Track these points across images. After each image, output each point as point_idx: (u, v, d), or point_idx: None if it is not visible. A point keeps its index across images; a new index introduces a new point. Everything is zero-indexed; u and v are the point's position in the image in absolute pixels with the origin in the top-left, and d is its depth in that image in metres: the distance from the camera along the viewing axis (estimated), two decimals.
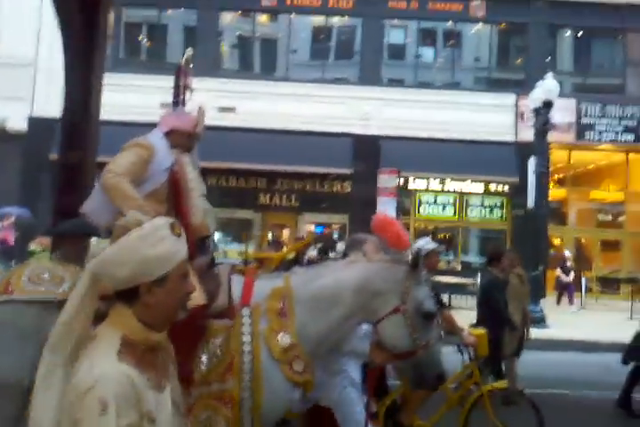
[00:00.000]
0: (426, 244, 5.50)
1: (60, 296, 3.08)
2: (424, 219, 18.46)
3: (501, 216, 18.64)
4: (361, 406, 3.65)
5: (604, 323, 13.89)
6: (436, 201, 18.51)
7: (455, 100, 18.01)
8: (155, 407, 1.70)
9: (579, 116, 18.17)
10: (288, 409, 3.21)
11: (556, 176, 19.89)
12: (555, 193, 19.68)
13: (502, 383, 5.74)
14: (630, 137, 18.18)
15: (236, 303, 3.19)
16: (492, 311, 6.82)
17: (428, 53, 19.61)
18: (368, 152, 17.70)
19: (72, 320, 1.76)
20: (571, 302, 17.02)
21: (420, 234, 17.86)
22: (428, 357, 3.16)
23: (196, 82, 18.33)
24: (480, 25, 19.05)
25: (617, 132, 18.16)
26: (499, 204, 18.61)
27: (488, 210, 18.51)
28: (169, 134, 3.71)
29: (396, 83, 19.22)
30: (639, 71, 19.55)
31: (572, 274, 17.44)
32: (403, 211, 18.83)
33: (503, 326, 6.78)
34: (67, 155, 6.63)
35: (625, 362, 7.36)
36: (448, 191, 18.45)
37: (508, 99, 18.17)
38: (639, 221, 19.83)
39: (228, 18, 19.42)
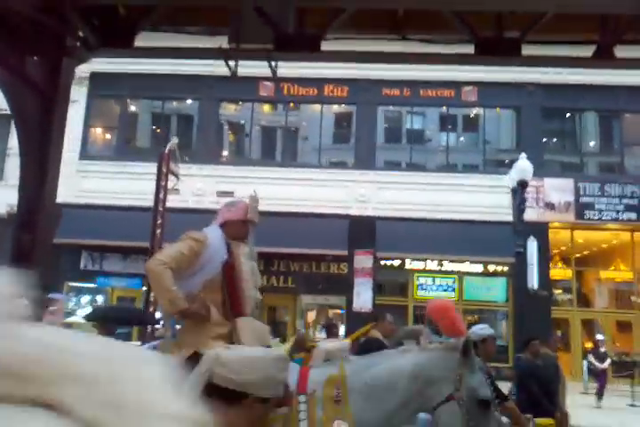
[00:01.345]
0: (480, 329, 5.37)
1: None
2: (422, 300, 18.12)
3: (503, 297, 18.24)
4: None
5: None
6: (434, 282, 18.24)
7: (450, 181, 18.18)
8: None
9: (577, 196, 18.08)
10: None
11: (557, 257, 19.56)
12: (560, 273, 19.31)
13: None
14: (632, 215, 17.94)
15: (292, 391, 3.18)
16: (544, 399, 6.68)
17: (423, 137, 19.97)
18: (364, 234, 17.77)
19: None
20: (600, 394, 14.86)
21: (418, 316, 17.55)
22: None
23: (195, 169, 19.05)
24: (473, 109, 19.47)
25: (618, 211, 17.95)
26: (499, 284, 18.25)
27: (488, 290, 18.14)
28: (224, 226, 3.82)
29: (392, 166, 19.49)
30: (636, 151, 19.59)
31: (608, 361, 15.68)
32: (400, 292, 18.63)
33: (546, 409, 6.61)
34: (20, 237, 7.09)
35: None
36: (446, 272, 18.21)
37: (504, 180, 18.20)
38: None
39: (227, 107, 20.25)
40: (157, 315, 13.03)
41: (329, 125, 19.94)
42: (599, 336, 16.46)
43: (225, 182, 18.52)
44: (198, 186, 18.83)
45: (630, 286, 19.37)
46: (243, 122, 20.35)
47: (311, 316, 18.92)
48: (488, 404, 3.13)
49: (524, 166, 13.62)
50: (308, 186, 18.22)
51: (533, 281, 17.56)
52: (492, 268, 17.99)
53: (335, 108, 20.14)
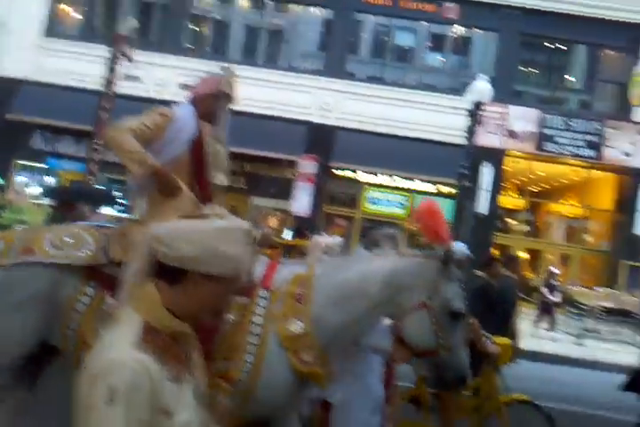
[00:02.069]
0: (462, 247, 4.99)
1: (80, 261, 3.14)
2: (370, 213, 18.24)
3: (450, 219, 18.38)
4: (370, 411, 3.49)
5: None
6: (385, 197, 18.30)
7: (416, 99, 17.95)
8: (173, 401, 1.59)
9: (540, 127, 17.97)
10: (288, 402, 3.03)
11: (513, 186, 19.67)
12: (510, 201, 19.47)
13: (521, 396, 5.47)
14: (592, 153, 17.93)
15: (256, 284, 3.06)
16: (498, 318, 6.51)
17: (398, 51, 19.53)
18: (322, 142, 17.63)
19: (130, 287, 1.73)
20: (552, 327, 14.93)
21: (364, 228, 17.70)
22: (452, 358, 3.00)
23: (158, 58, 18.52)
24: (452, 28, 18.97)
25: (579, 147, 17.92)
26: (448, 206, 18.34)
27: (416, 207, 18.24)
28: (193, 102, 3.52)
29: (361, 77, 19.11)
30: (608, 88, 19.40)
31: (560, 295, 15.37)
32: (350, 203, 18.70)
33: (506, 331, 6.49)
34: None
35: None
36: (398, 188, 18.24)
37: (463, 102, 18.00)
38: (597, 237, 19.55)
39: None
40: None
41: (305, 30, 19.42)
42: (553, 269, 16.09)
43: (188, 76, 18.03)
44: (160, 76, 18.37)
45: (581, 223, 19.67)
46: (217, 16, 19.71)
47: (273, 221, 18.90)
48: (459, 316, 3.03)
49: (481, 88, 13.36)
50: (273, 88, 17.83)
51: (482, 206, 17.74)
52: (443, 189, 18.03)
53: (311, 12, 19.52)
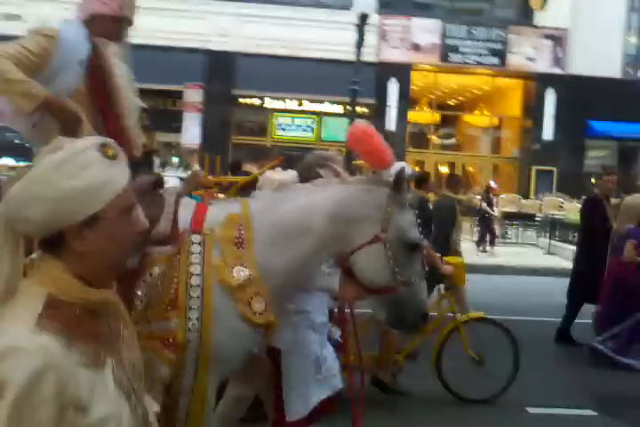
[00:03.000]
0: (407, 167, 4.59)
1: None
2: (281, 140, 17.93)
3: None
4: (322, 349, 3.21)
5: None
6: (293, 122, 17.98)
7: (318, 17, 17.35)
8: (87, 391, 1.27)
9: (443, 38, 17.69)
10: (246, 356, 2.74)
11: (423, 99, 19.55)
12: (420, 116, 19.40)
13: (478, 314, 5.35)
14: (497, 60, 17.83)
15: (184, 229, 2.64)
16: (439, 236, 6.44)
17: None
18: (222, 70, 17.01)
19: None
20: (492, 242, 14.23)
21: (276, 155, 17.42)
22: (410, 294, 2.70)
23: None
24: None
25: (483, 55, 17.77)
26: None
27: (347, 131, 18.05)
28: (90, 22, 2.95)
29: None
30: None
31: (496, 209, 14.88)
32: (259, 131, 18.35)
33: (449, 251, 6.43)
34: None
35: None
36: (306, 112, 17.91)
37: (371, 18, 17.49)
38: (508, 145, 19.79)
39: None
40: None
41: None
42: (492, 183, 15.38)
43: (11, 4, 16.95)
44: (44, 12, 17.19)
45: (492, 133, 19.80)
46: None
47: (194, 158, 18.28)
48: (417, 247, 2.73)
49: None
50: (164, 16, 16.91)
51: (392, 123, 17.63)
52: (350, 108, 17.75)
53: None
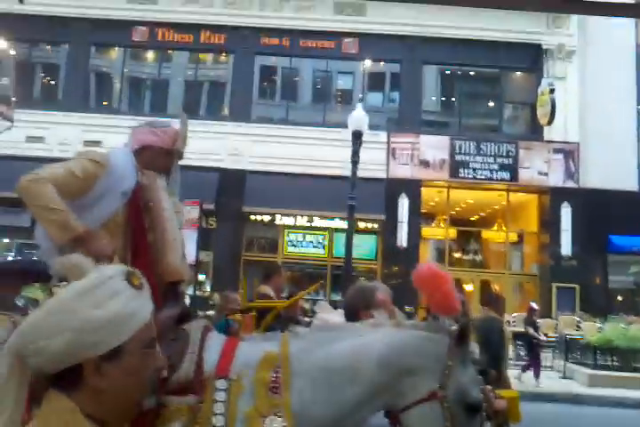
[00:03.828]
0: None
1: None
2: (292, 256, 17.74)
3: (372, 254, 17.99)
4: None
5: None
6: (304, 238, 17.87)
7: (324, 136, 17.70)
8: None
9: (452, 154, 17.78)
10: None
11: (438, 216, 19.35)
12: (433, 232, 19.13)
13: None
14: (507, 175, 17.76)
15: (208, 374, 2.37)
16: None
17: (299, 91, 19.39)
18: (233, 187, 17.25)
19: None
20: (538, 373, 12.68)
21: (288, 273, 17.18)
22: None
23: (61, 117, 18.19)
24: (353, 62, 18.89)
25: (492, 170, 17.73)
26: (369, 241, 17.98)
27: (358, 247, 17.80)
28: (140, 152, 2.89)
29: (267, 119, 18.88)
30: (514, 111, 19.41)
31: (542, 335, 13.40)
32: (270, 248, 18.24)
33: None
34: None
35: None
36: (316, 228, 17.83)
37: (380, 136, 17.81)
38: (527, 261, 19.23)
39: (97, 54, 19.32)
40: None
41: (204, 75, 19.25)
42: (533, 304, 14.13)
43: (92, 131, 17.72)
44: (64, 135, 17.97)
45: (509, 248, 19.33)
46: (112, 70, 19.49)
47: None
48: (477, 409, 2.38)
49: (358, 116, 13.09)
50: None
51: (403, 239, 17.37)
52: (362, 225, 17.64)
53: (212, 58, 19.42)
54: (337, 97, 19.22)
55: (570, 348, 13.91)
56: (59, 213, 2.51)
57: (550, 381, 12.86)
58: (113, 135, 17.50)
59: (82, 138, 17.71)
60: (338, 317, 2.93)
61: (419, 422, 2.32)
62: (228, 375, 2.35)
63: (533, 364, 12.86)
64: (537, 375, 12.59)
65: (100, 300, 1.22)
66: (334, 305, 14.57)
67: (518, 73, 19.36)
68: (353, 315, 2.82)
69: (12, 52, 18.97)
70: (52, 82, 19.94)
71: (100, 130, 17.53)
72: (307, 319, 10.91)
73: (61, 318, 1.20)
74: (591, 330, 14.18)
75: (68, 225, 2.52)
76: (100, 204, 2.70)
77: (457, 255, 19.96)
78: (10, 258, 17.77)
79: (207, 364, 2.38)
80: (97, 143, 17.57)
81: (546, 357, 14.00)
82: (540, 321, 13.94)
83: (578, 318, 15.57)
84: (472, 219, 20.39)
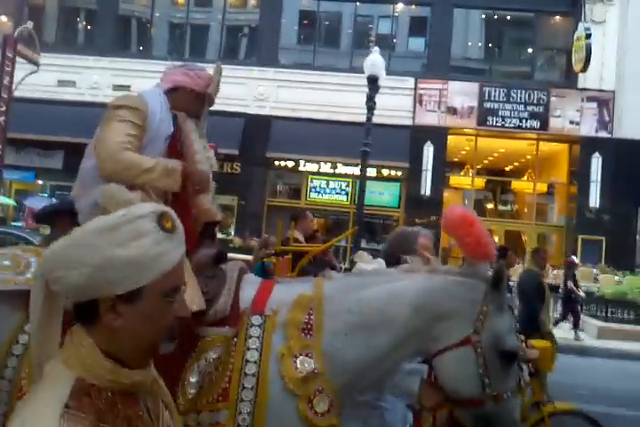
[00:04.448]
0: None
1: (20, 284, 2.45)
2: (315, 203, 17.84)
3: (395, 202, 17.93)
4: None
5: None
6: (328, 185, 17.90)
7: (352, 82, 17.44)
8: None
9: (481, 101, 17.37)
10: None
11: (467, 164, 19.07)
12: (459, 181, 18.91)
13: (565, 405, 4.82)
14: (536, 124, 17.29)
15: (244, 310, 2.40)
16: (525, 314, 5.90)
17: (329, 37, 19.10)
18: (258, 133, 17.32)
19: (34, 341, 1.29)
20: (577, 325, 12.62)
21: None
22: (500, 411, 2.32)
23: (92, 61, 18.45)
24: (384, 6, 18.44)
25: (522, 119, 17.29)
26: (392, 189, 17.90)
27: (381, 195, 17.78)
28: (171, 93, 2.83)
29: (293, 65, 18.70)
30: (547, 57, 18.72)
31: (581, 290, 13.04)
32: (293, 194, 18.38)
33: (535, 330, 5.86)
34: None
35: None
36: (340, 175, 17.82)
37: (407, 82, 17.51)
38: (555, 212, 18.89)
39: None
40: None
41: (233, 19, 19.12)
42: (573, 258, 13.70)
43: (122, 76, 17.94)
44: (94, 78, 18.25)
45: (538, 199, 18.99)
46: (142, 14, 19.54)
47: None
48: (513, 357, 2.34)
49: (374, 61, 12.82)
50: None
51: (426, 187, 17.25)
52: (386, 172, 17.57)
53: (240, 2, 19.23)
54: (365, 42, 18.83)
55: (584, 300, 13.74)
56: (157, 167, 2.55)
57: (561, 331, 12.81)
58: (141, 80, 17.75)
59: (112, 82, 17.97)
60: (377, 266, 2.90)
61: (451, 366, 2.30)
62: (263, 311, 2.37)
63: (573, 317, 12.64)
64: (575, 326, 12.47)
65: (123, 239, 1.19)
66: (354, 252, 14.51)
67: (555, 17, 18.56)
68: (393, 260, 2.81)
69: None
70: (83, 26, 20.15)
71: (129, 74, 17.73)
72: (341, 264, 11.03)
73: (81, 252, 1.18)
74: (608, 283, 13.94)
75: (170, 171, 2.57)
76: (147, 150, 2.66)
77: (483, 205, 19.73)
78: (44, 198, 18.44)
79: (243, 301, 2.40)
80: (126, 87, 17.82)
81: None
82: (554, 271, 13.81)
83: (595, 271, 15.30)
84: (500, 168, 20.01)
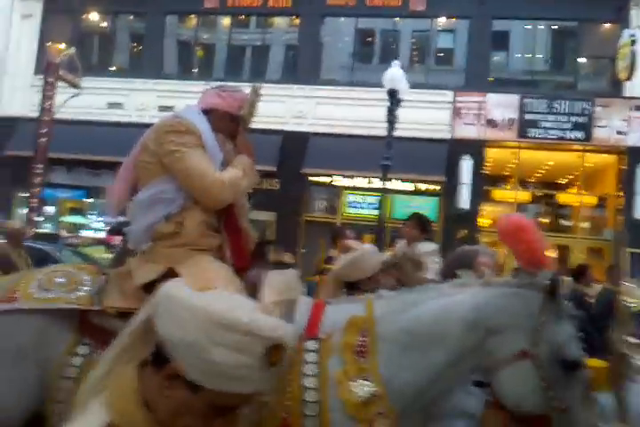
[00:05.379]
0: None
1: (72, 303, 2.46)
2: (351, 218, 17.76)
3: (433, 216, 17.57)
4: None
5: None
6: (363, 199, 17.82)
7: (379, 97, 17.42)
8: None
9: (522, 113, 16.92)
10: None
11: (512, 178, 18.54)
12: (502, 195, 18.39)
13: None
14: (580, 135, 16.68)
15: (299, 334, 2.34)
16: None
17: (364, 52, 19.14)
18: (296, 150, 17.49)
19: (110, 366, 1.31)
20: None
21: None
22: (569, 424, 2.24)
23: (139, 84, 19.15)
24: (422, 20, 18.32)
25: (564, 130, 16.72)
26: (429, 203, 17.61)
27: (418, 209, 17.46)
28: (206, 114, 2.84)
29: (330, 81, 18.80)
30: (592, 66, 18.07)
31: None
32: (329, 210, 18.36)
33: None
34: None
35: None
36: (375, 189, 17.66)
37: (446, 95, 17.30)
38: (601, 225, 18.09)
39: (172, 21, 20.03)
40: None
41: (273, 39, 19.49)
42: None
43: (167, 97, 18.52)
44: (141, 100, 18.93)
45: (584, 211, 18.24)
46: (186, 37, 20.18)
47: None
48: (576, 366, 2.28)
49: (393, 75, 12.75)
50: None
51: (464, 201, 16.88)
52: (422, 186, 17.33)
53: (279, 22, 19.58)
54: (402, 56, 18.76)
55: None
56: (245, 173, 2.72)
57: None
58: (184, 100, 18.23)
59: (157, 103, 18.58)
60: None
61: (510, 382, 2.22)
62: (317, 336, 2.33)
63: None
64: None
65: (230, 344, 1.17)
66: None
67: (600, 25, 17.94)
68: (449, 277, 2.78)
69: (101, 24, 20.18)
70: (130, 50, 20.98)
71: (173, 95, 18.28)
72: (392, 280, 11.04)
73: (191, 326, 1.18)
74: None
75: (250, 171, 2.75)
76: None
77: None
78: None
79: (297, 325, 2.32)
80: (170, 108, 18.44)
81: None
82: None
83: (633, 286, 14.43)
84: (547, 181, 19.33)
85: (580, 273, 6.47)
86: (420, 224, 5.49)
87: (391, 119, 12.86)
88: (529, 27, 18.22)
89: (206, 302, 1.19)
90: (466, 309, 2.30)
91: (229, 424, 1.16)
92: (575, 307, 5.15)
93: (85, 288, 2.50)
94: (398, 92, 12.77)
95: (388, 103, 13.01)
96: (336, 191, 18.09)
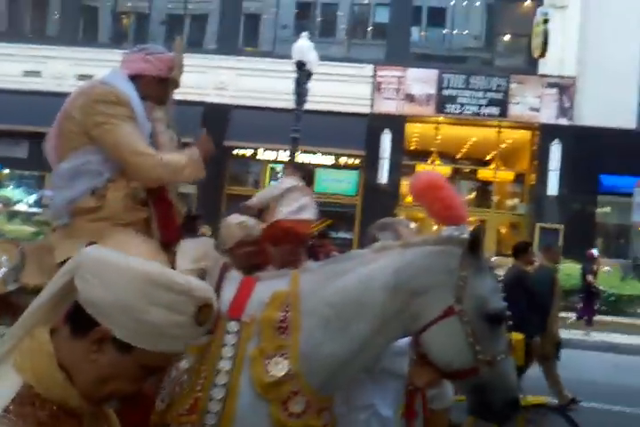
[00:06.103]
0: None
1: None
2: None
3: (353, 190, 17.89)
4: None
5: None
6: (285, 173, 17.90)
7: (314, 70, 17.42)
8: None
9: (439, 88, 17.21)
10: None
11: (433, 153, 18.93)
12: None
13: (538, 398, 4.78)
14: (496, 111, 17.11)
15: (222, 314, 2.26)
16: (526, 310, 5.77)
17: (286, 24, 19.03)
18: (217, 122, 17.32)
19: (23, 326, 1.26)
20: (590, 322, 12.47)
21: None
22: (496, 376, 2.24)
23: (55, 51, 18.58)
24: None
25: (481, 106, 17.11)
26: (350, 177, 17.86)
27: (339, 183, 17.75)
28: (133, 80, 2.66)
29: (252, 52, 18.66)
30: (510, 43, 18.49)
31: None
32: (253, 183, 18.42)
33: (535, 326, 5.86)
34: None
35: None
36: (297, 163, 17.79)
37: (366, 69, 17.40)
38: (514, 200, 18.76)
39: None
40: None
41: (191, 7, 19.18)
42: (594, 251, 13.40)
43: (84, 66, 18.01)
44: (58, 69, 18.37)
45: (497, 187, 18.85)
46: (100, 4, 19.68)
47: None
48: (500, 319, 2.26)
49: (302, 47, 12.77)
50: None
51: (383, 175, 17.18)
52: (343, 160, 17.53)
53: None
54: (321, 29, 18.74)
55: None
56: (188, 163, 2.58)
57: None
58: (103, 69, 17.79)
59: (75, 72, 18.06)
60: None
61: (439, 341, 2.21)
62: (240, 317, 2.27)
63: (587, 313, 12.50)
64: (588, 323, 12.33)
65: (163, 303, 1.18)
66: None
67: (517, 2, 18.29)
68: (369, 241, 2.71)
69: None
70: (44, 16, 20.26)
71: (91, 64, 17.79)
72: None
73: (121, 283, 1.17)
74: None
75: (195, 161, 2.61)
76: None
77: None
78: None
79: (222, 303, 2.24)
80: (90, 77, 17.95)
81: None
82: (495, 258, 13.73)
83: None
84: (466, 157, 19.82)
85: (521, 251, 6.37)
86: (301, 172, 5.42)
87: (300, 91, 12.86)
88: (451, 3, 18.38)
89: (139, 263, 1.22)
90: (387, 274, 2.25)
91: (155, 386, 1.18)
92: (516, 285, 5.45)
93: (2, 269, 2.40)
94: (307, 64, 12.73)
95: (296, 75, 12.99)
96: (259, 165, 18.09)
